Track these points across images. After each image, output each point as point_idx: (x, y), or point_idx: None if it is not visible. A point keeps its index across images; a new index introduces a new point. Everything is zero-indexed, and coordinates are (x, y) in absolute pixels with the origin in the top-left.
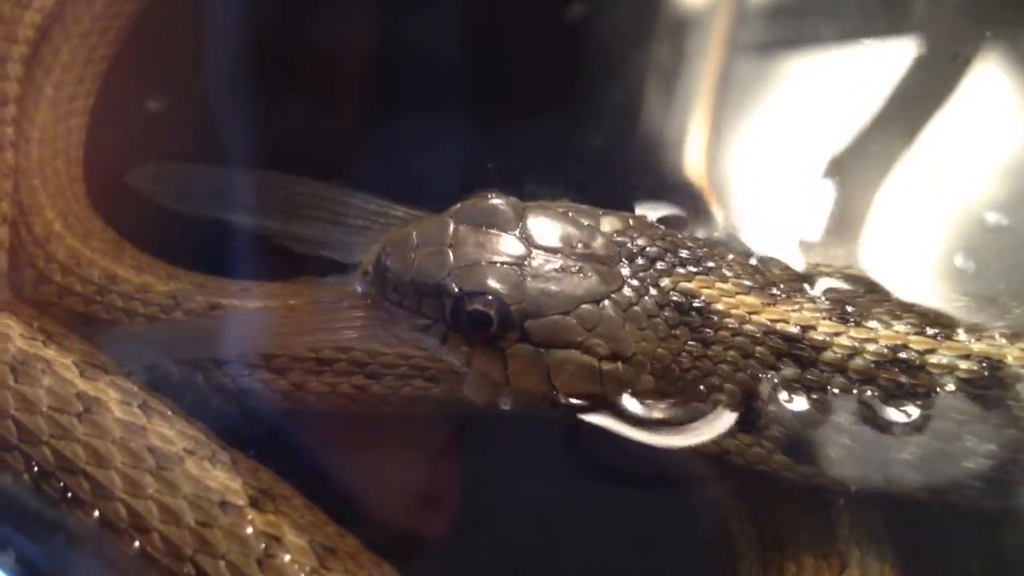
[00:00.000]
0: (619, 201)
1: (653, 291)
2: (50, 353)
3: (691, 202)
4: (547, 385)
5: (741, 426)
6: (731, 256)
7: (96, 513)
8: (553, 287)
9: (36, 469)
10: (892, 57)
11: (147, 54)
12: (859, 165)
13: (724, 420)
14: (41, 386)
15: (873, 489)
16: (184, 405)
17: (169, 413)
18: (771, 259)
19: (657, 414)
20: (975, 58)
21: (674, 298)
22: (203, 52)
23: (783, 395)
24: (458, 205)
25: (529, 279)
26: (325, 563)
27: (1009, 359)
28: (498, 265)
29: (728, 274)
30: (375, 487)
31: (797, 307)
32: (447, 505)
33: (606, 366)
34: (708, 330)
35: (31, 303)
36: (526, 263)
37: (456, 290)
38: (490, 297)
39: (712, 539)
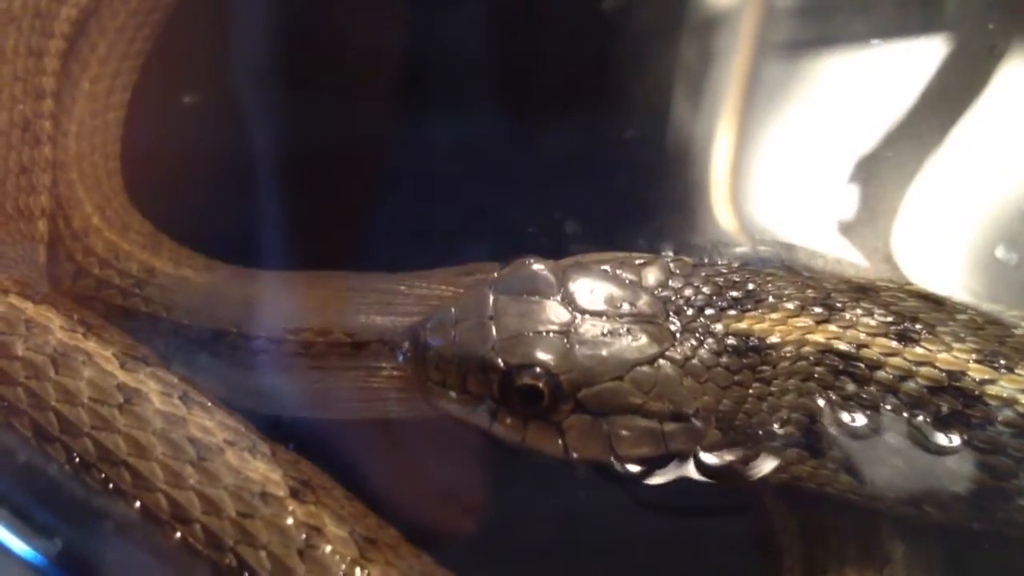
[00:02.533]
0: (646, 195)
1: (709, 341)
2: (90, 345)
3: (723, 200)
4: (609, 452)
5: (809, 451)
6: (779, 278)
7: (137, 504)
8: (603, 352)
9: (78, 460)
10: (928, 51)
11: (182, 48)
12: (896, 158)
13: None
14: (82, 378)
15: (932, 518)
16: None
17: (209, 404)
18: (831, 261)
19: (729, 458)
20: (1011, 50)
21: (730, 342)
22: (236, 47)
23: (842, 415)
24: (495, 274)
25: (577, 346)
26: (366, 554)
27: None
28: (544, 335)
29: (776, 301)
30: (405, 484)
31: (851, 324)
32: (477, 503)
33: (668, 427)
34: (767, 367)
35: (70, 296)
36: (572, 330)
37: (502, 364)
38: (538, 369)
39: (755, 534)
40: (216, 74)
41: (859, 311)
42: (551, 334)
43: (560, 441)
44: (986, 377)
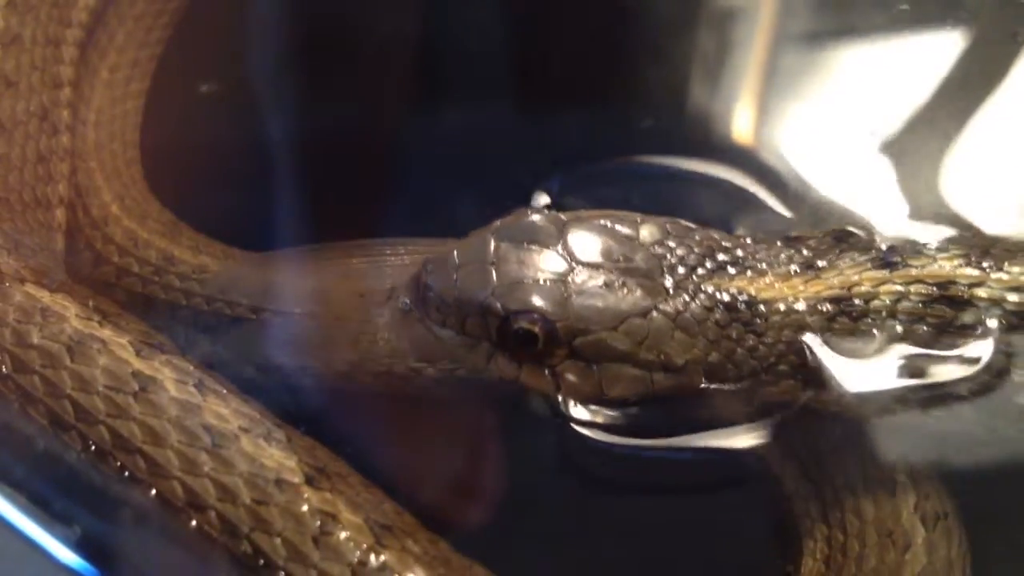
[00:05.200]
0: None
1: (700, 297)
2: (106, 333)
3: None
4: (599, 394)
5: (804, 383)
6: (766, 245)
7: (153, 492)
8: (599, 303)
9: (93, 448)
10: (949, 41)
11: (200, 37)
12: (918, 148)
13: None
14: (97, 366)
15: (939, 426)
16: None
17: (224, 392)
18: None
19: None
20: None
21: (721, 299)
22: (253, 36)
23: (841, 346)
24: (498, 222)
25: (574, 296)
26: (382, 540)
27: None
28: (542, 283)
29: (766, 265)
30: (420, 470)
31: (837, 271)
32: (490, 489)
33: (657, 376)
34: (759, 320)
35: (89, 284)
36: (569, 280)
37: (501, 309)
38: (535, 316)
39: (775, 519)
40: (234, 63)
41: (843, 260)
42: (549, 282)
43: (553, 382)
44: (974, 280)
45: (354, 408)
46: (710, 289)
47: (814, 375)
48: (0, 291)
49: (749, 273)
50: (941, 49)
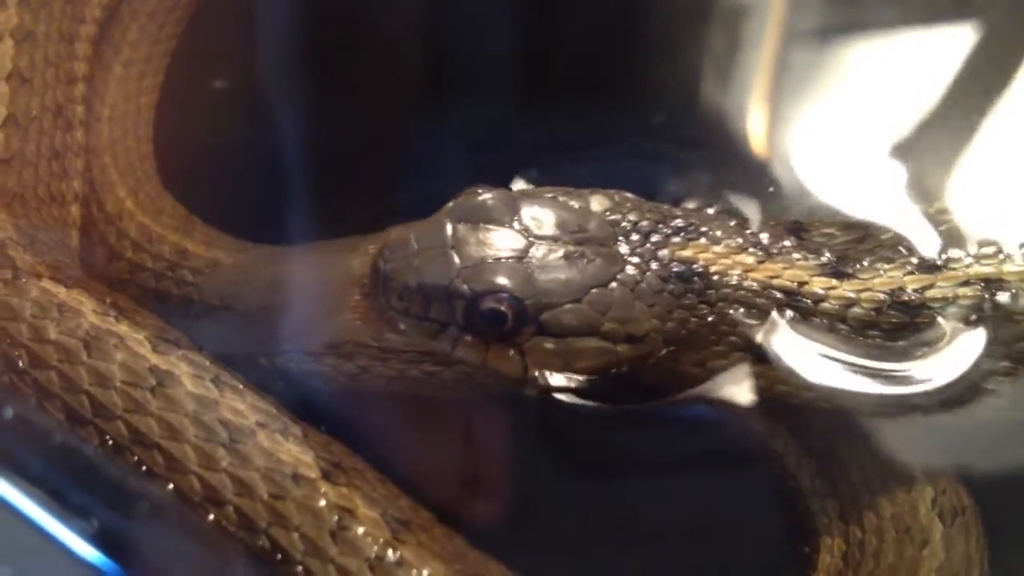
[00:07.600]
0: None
1: (654, 265)
2: (122, 328)
3: (748, 183)
4: (567, 369)
5: (755, 356)
6: (717, 219)
7: (171, 486)
8: (562, 276)
9: (111, 443)
10: (960, 35)
11: (213, 33)
12: (930, 144)
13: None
14: (114, 361)
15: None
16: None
17: (241, 387)
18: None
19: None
20: None
21: (675, 268)
22: (265, 31)
23: (791, 333)
24: (450, 204)
25: (537, 271)
26: (398, 535)
27: (1007, 276)
28: (504, 261)
29: (719, 235)
30: (434, 467)
31: (789, 264)
32: (500, 489)
33: (622, 348)
34: (712, 291)
35: (103, 280)
36: (530, 255)
37: (468, 291)
38: (503, 295)
39: (792, 515)
40: (246, 59)
41: (795, 255)
42: (511, 260)
43: (520, 362)
44: (924, 284)
45: (365, 407)
46: (664, 256)
47: (765, 351)
48: (17, 287)
49: (702, 240)
50: (951, 45)
